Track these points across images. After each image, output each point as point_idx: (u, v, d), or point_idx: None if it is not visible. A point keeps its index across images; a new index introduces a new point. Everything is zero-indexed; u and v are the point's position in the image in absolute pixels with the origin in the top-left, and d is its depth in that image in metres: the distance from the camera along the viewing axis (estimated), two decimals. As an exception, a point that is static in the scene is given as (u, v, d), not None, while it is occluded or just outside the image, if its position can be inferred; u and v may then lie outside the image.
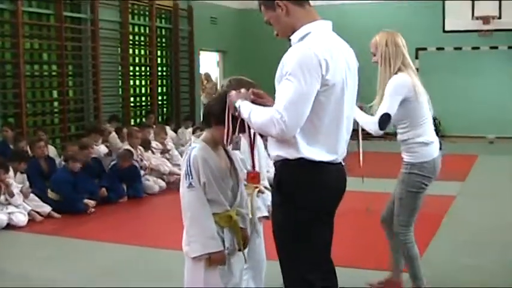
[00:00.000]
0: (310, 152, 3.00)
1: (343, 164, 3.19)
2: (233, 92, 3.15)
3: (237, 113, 3.08)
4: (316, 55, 2.89)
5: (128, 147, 9.53)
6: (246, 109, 3.02)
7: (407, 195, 4.47)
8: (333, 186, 3.15)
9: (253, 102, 3.09)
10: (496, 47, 14.95)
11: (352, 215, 6.80)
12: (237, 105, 3.08)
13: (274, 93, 3.00)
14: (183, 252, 3.39)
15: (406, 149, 4.47)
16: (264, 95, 3.19)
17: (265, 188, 3.98)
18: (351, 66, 3.12)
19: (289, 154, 3.02)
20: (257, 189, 3.87)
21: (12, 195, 7.42)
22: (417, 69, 16.04)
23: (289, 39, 3.13)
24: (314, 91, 2.90)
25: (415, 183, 4.43)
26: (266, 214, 4.07)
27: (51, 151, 9.36)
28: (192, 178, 3.22)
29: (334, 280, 3.24)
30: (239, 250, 3.40)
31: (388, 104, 4.31)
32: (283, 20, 3.12)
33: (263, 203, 4.02)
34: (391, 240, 4.79)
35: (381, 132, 4.35)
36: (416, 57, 15.53)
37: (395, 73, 4.35)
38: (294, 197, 3.05)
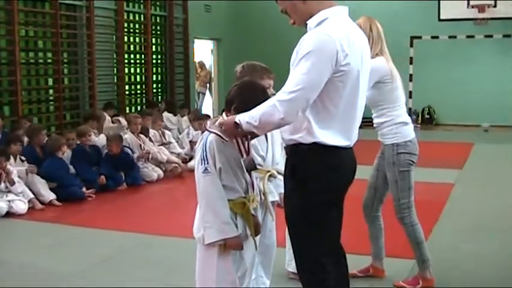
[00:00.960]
0: (324, 136, 3.01)
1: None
2: (209, 123, 3.34)
3: (240, 129, 3.03)
4: (334, 41, 2.90)
5: (129, 134, 9.48)
6: (246, 116, 3.00)
7: (402, 176, 4.53)
8: (346, 171, 3.17)
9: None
10: (491, 36, 14.94)
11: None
12: (237, 120, 3.03)
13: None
14: (196, 239, 3.35)
15: (386, 131, 4.53)
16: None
17: (278, 172, 3.95)
18: (365, 53, 3.15)
19: (303, 138, 3.03)
20: (269, 173, 3.86)
21: (12, 183, 7.38)
22: (411, 58, 16.17)
23: (306, 25, 3.11)
24: (324, 78, 2.90)
25: (405, 163, 4.50)
26: (275, 199, 4.05)
27: (101, 139, 9.38)
28: (208, 163, 3.19)
29: (345, 264, 3.28)
30: (251, 236, 3.38)
31: None
32: (300, 8, 3.11)
33: (275, 188, 4.00)
34: (372, 227, 4.86)
35: None
36: (411, 46, 15.56)
37: (373, 57, 4.33)
38: (307, 181, 3.07)
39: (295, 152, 3.11)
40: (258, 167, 3.80)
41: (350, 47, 2.95)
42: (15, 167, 7.76)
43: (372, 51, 4.30)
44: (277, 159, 4.08)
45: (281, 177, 3.81)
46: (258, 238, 3.64)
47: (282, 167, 4.03)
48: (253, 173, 3.52)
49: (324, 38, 2.91)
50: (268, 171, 3.89)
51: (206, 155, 3.20)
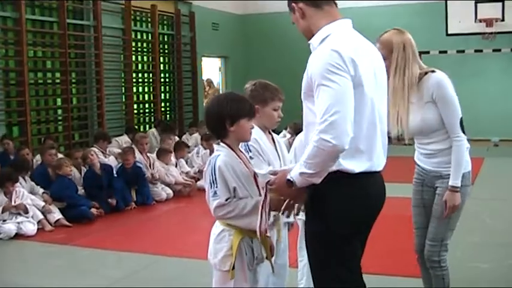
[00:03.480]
0: (347, 163, 2.82)
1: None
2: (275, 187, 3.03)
3: (293, 187, 2.86)
4: (341, 54, 2.75)
5: (138, 154, 9.48)
6: (297, 169, 2.80)
7: (457, 213, 3.92)
8: (372, 200, 3.01)
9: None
10: (499, 50, 14.92)
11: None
12: (289, 178, 2.84)
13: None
14: (212, 264, 3.30)
15: (448, 159, 3.77)
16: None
17: None
18: (378, 65, 3.02)
19: None
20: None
21: (26, 211, 7.39)
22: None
23: (309, 44, 3.02)
24: (350, 89, 2.72)
25: (465, 196, 3.85)
26: (290, 220, 4.01)
27: (112, 160, 9.41)
28: (217, 187, 3.15)
29: None
30: (266, 258, 3.33)
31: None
32: (300, 24, 3.03)
33: None
34: (430, 275, 4.05)
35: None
36: (419, 61, 15.52)
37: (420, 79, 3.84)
38: (328, 211, 2.92)
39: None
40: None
41: (359, 60, 2.80)
42: (26, 188, 7.80)
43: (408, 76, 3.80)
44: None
45: None
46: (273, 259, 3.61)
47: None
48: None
49: (330, 53, 2.76)
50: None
51: (215, 178, 3.16)
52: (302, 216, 4.43)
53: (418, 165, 4.06)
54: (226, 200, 3.15)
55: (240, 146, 3.39)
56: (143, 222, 8.13)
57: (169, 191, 9.48)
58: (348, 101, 2.71)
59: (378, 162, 2.97)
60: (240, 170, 3.21)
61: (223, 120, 3.21)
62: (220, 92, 17.11)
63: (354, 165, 2.85)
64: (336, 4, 3.06)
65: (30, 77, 10.52)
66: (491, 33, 14.60)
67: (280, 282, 4.09)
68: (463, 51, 15.22)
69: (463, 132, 3.76)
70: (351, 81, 2.74)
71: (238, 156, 3.27)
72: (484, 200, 8.55)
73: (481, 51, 15.06)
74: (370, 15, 15.78)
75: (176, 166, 10.01)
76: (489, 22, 14.48)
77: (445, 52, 15.35)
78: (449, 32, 14.96)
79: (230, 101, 3.25)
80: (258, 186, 3.30)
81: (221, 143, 3.27)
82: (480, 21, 14.56)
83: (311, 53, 2.93)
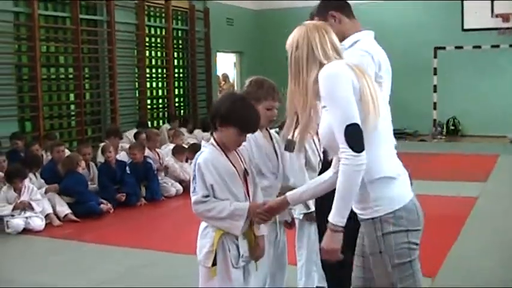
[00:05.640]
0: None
1: None
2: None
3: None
4: (372, 55, 3.38)
5: (147, 150, 9.47)
6: (335, 216, 2.65)
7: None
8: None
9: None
10: (516, 45, 14.76)
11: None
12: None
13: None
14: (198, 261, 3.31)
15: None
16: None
17: (289, 189, 3.89)
18: (389, 72, 3.54)
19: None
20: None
21: (31, 208, 7.40)
22: (435, 69, 16.00)
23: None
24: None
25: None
26: (287, 218, 3.98)
27: (123, 155, 9.40)
28: (195, 183, 3.19)
29: None
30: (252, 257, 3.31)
31: None
32: (335, 27, 3.35)
33: None
34: None
35: None
36: (435, 57, 15.41)
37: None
38: None
39: None
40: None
41: (382, 64, 3.42)
42: (36, 184, 7.85)
43: None
44: (288, 175, 4.01)
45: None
46: (269, 258, 3.60)
47: (294, 183, 4.01)
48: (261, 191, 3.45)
49: (363, 54, 3.37)
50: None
51: (195, 175, 3.20)
52: (299, 215, 4.44)
53: None
54: (205, 197, 3.16)
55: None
56: (152, 218, 8.13)
57: (179, 187, 9.46)
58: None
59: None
60: (223, 168, 3.19)
61: (216, 116, 3.22)
62: (235, 87, 17.11)
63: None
64: None
65: (43, 73, 10.56)
66: (508, 28, 14.44)
67: (279, 283, 4.06)
68: (479, 47, 15.05)
69: (357, 148, 2.61)
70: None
71: (226, 154, 3.24)
72: (498, 197, 8.46)
73: (498, 46, 14.87)
74: (384, 11, 15.69)
75: (187, 161, 10.00)
76: (506, 17, 14.33)
77: (461, 48, 15.22)
78: (465, 27, 14.82)
79: (230, 104, 3.24)
80: (247, 185, 3.27)
81: (211, 140, 3.26)
82: (497, 16, 14.41)
83: None
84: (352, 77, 2.64)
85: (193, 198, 3.20)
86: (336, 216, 2.63)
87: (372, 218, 2.67)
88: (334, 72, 2.67)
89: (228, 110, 3.18)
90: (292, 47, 2.84)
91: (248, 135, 3.36)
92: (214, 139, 3.26)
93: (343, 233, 2.64)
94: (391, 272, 2.67)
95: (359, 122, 2.59)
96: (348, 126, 2.57)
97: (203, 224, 3.28)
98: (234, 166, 3.23)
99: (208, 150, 3.22)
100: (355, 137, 2.57)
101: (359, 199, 2.68)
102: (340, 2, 3.68)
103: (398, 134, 14.89)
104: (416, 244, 2.76)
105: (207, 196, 3.16)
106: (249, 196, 3.28)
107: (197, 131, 12.65)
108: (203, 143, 3.35)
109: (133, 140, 10.41)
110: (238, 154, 3.32)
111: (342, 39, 3.34)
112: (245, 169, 3.29)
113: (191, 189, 3.23)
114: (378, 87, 2.75)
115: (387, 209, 2.65)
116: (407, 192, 2.73)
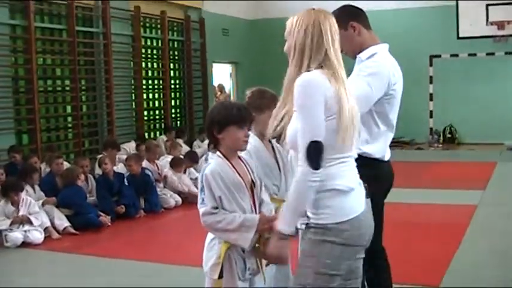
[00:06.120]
0: (369, 149, 3.53)
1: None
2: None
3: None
4: (387, 70, 3.52)
5: (145, 162, 9.44)
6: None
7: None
8: (385, 180, 3.74)
9: None
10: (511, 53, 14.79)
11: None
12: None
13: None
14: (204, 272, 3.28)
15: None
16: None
17: None
18: (401, 84, 3.67)
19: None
20: (285, 203, 3.77)
21: (30, 222, 7.35)
22: (431, 77, 15.97)
23: (354, 57, 3.66)
24: (378, 98, 3.47)
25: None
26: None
27: (121, 167, 9.35)
28: (204, 194, 3.16)
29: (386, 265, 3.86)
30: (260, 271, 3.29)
31: None
32: (355, 39, 3.65)
33: None
34: None
35: None
36: (431, 65, 15.45)
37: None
38: None
39: None
40: (273, 195, 3.73)
41: (396, 76, 3.56)
42: (34, 197, 7.80)
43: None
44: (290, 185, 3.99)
45: None
46: (272, 270, 3.57)
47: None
48: (266, 201, 3.43)
49: (380, 66, 3.52)
50: (284, 201, 3.80)
51: (203, 186, 3.17)
52: (301, 225, 4.40)
53: None
54: (215, 208, 3.14)
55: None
56: (151, 230, 8.10)
57: (178, 198, 9.43)
58: (370, 102, 3.48)
59: (388, 154, 3.73)
60: (230, 179, 3.17)
61: (212, 127, 3.21)
62: (231, 98, 17.09)
63: (373, 151, 3.59)
64: None
65: (40, 85, 10.53)
66: (503, 36, 14.49)
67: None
68: (474, 55, 15.12)
69: (315, 165, 2.63)
70: (384, 89, 3.51)
71: (233, 165, 3.22)
72: (496, 205, 8.45)
73: (493, 54, 14.94)
74: (379, 20, 15.63)
75: (185, 172, 9.97)
76: (501, 25, 14.39)
77: (457, 56, 15.28)
78: (460, 35, 14.85)
79: (220, 108, 3.25)
80: (254, 196, 3.26)
81: (217, 152, 3.24)
82: (492, 24, 14.47)
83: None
84: (328, 89, 2.64)
85: (201, 209, 3.16)
86: (283, 225, 2.76)
87: (317, 224, 2.70)
88: (309, 83, 2.66)
89: (221, 114, 3.19)
90: (299, 33, 2.77)
91: (249, 147, 3.36)
92: (220, 151, 3.24)
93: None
94: (312, 277, 2.69)
95: (322, 139, 2.61)
96: (311, 142, 2.60)
97: (210, 236, 3.25)
98: (241, 177, 3.22)
99: (215, 162, 3.19)
100: (315, 154, 2.61)
101: (310, 204, 2.72)
102: (360, 11, 3.75)
103: (395, 143, 14.88)
104: (349, 260, 2.72)
105: (216, 208, 3.13)
106: (255, 208, 3.26)
107: (196, 143, 12.65)
108: (210, 154, 3.31)
109: (133, 152, 10.38)
110: (245, 165, 3.30)
111: (359, 51, 3.62)
112: (252, 180, 3.27)
113: (199, 200, 3.19)
114: (352, 98, 2.74)
115: (333, 219, 2.68)
116: (358, 207, 2.74)
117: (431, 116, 15.79)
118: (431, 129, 15.89)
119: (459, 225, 7.26)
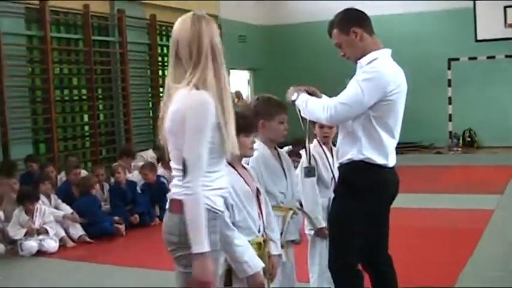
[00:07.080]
0: (371, 155, 3.58)
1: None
2: (291, 88, 3.78)
3: (291, 101, 3.71)
4: (385, 76, 3.53)
5: (161, 169, 9.46)
6: (303, 98, 3.69)
7: None
8: (389, 187, 3.72)
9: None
10: (530, 54, 14.66)
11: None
12: (293, 97, 3.70)
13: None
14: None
15: None
16: (316, 91, 3.80)
17: (299, 209, 3.89)
18: (405, 89, 3.67)
19: (354, 155, 3.60)
20: (292, 211, 3.76)
21: (46, 233, 7.40)
22: (449, 80, 15.83)
23: (356, 62, 3.68)
24: (370, 104, 3.50)
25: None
26: (295, 238, 3.92)
27: (136, 175, 9.38)
28: None
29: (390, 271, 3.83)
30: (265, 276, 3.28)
31: None
32: (356, 45, 3.66)
33: (295, 226, 3.89)
34: None
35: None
36: (449, 68, 15.33)
37: None
38: (353, 192, 3.61)
39: (347, 167, 3.67)
40: (280, 204, 3.73)
41: (396, 84, 3.56)
42: (51, 207, 7.86)
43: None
44: (297, 195, 3.99)
45: (300, 214, 3.96)
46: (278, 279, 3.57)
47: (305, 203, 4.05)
48: (273, 212, 3.45)
49: (377, 74, 3.52)
50: (290, 209, 3.80)
51: None
52: (310, 231, 4.39)
53: None
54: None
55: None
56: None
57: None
58: (360, 108, 3.53)
59: (393, 160, 3.72)
60: (239, 187, 3.17)
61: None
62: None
63: (375, 157, 3.62)
64: None
65: (57, 94, 10.63)
66: (521, 37, 14.36)
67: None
68: (493, 57, 14.98)
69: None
70: (378, 98, 3.52)
71: (239, 173, 3.23)
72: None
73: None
74: (397, 24, 15.64)
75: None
76: (519, 26, 14.26)
77: (475, 59, 15.14)
78: (478, 38, 14.72)
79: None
80: (259, 203, 3.26)
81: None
82: (510, 26, 14.32)
83: (355, 68, 3.71)
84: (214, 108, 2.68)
85: None
86: (196, 245, 2.68)
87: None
88: (204, 104, 2.68)
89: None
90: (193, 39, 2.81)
91: (256, 154, 3.36)
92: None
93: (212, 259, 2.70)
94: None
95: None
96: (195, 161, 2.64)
97: None
98: (248, 185, 3.22)
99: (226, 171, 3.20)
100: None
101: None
102: (363, 16, 3.74)
103: (414, 147, 14.84)
104: None
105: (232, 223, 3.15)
106: (262, 215, 3.26)
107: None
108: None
109: (149, 160, 10.41)
110: (249, 173, 3.32)
111: (360, 56, 3.64)
112: (257, 188, 3.28)
113: None
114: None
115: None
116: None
117: (450, 120, 15.66)
118: (450, 133, 15.75)
119: (475, 230, 7.18)
